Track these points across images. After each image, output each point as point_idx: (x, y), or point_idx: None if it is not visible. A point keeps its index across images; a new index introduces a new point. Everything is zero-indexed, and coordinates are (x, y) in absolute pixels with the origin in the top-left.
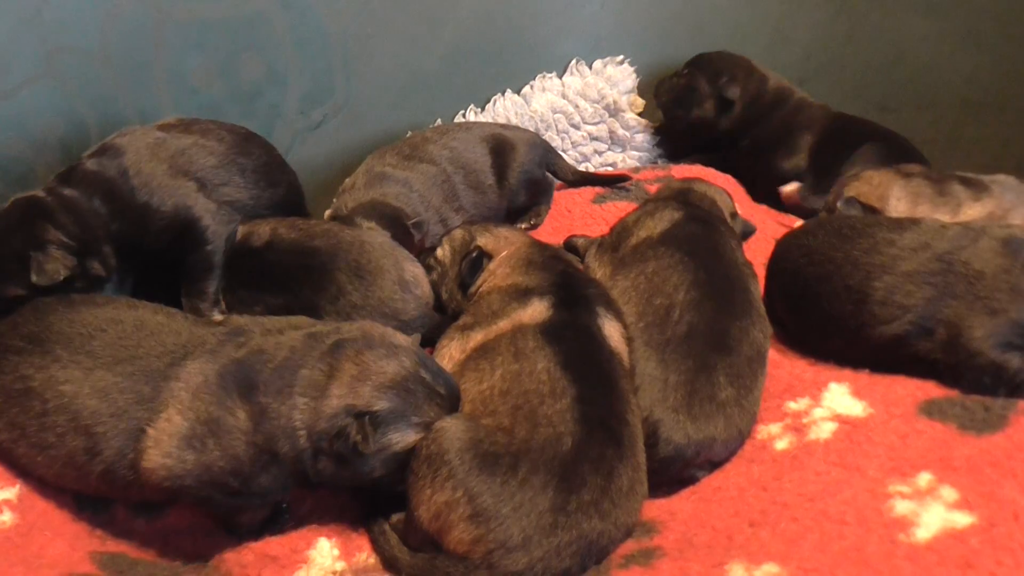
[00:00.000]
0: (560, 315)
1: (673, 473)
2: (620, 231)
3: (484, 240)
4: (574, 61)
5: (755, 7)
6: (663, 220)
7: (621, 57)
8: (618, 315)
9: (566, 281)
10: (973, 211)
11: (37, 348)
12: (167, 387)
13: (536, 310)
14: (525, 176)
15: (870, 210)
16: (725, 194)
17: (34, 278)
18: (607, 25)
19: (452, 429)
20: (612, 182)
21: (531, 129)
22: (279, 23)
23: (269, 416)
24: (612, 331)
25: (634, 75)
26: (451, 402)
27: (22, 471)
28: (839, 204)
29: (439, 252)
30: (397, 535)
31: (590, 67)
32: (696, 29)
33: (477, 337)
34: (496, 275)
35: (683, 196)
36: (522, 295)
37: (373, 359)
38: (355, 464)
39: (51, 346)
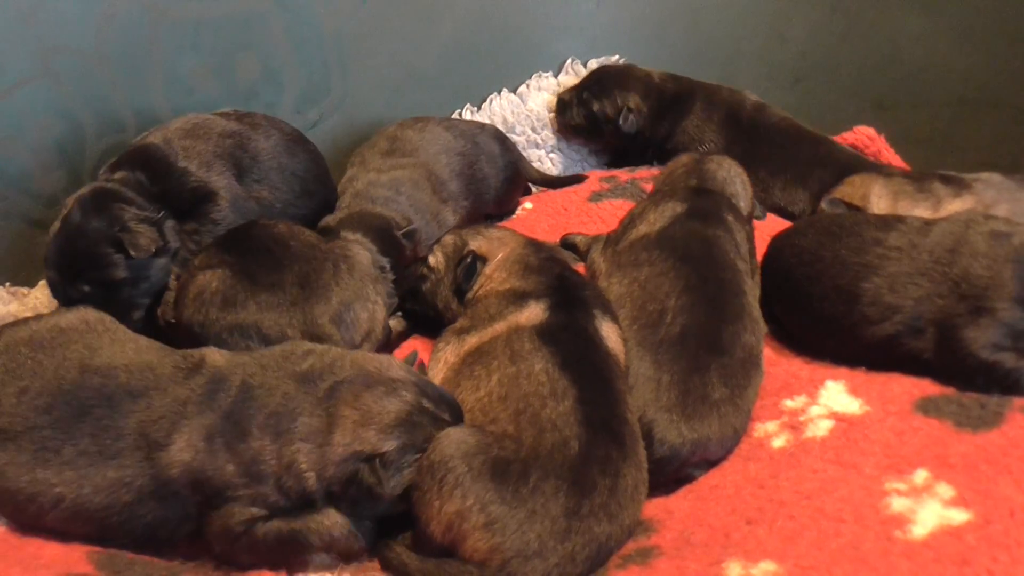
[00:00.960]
0: (556, 317)
1: (669, 473)
2: (627, 223)
3: (477, 244)
4: (570, 60)
5: (750, 6)
6: (663, 215)
7: (616, 56)
8: (615, 317)
9: (563, 283)
10: (953, 207)
11: (11, 444)
12: (168, 476)
13: (533, 312)
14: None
15: (854, 209)
16: (736, 172)
17: (133, 253)
18: (603, 24)
19: (453, 435)
20: (568, 182)
21: (527, 129)
22: (275, 23)
23: (264, 457)
24: (609, 332)
25: None
26: (456, 424)
27: None
28: (824, 205)
29: (431, 260)
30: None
31: (585, 66)
32: (691, 28)
33: (472, 340)
34: (493, 279)
35: (692, 183)
36: (519, 298)
37: (373, 400)
38: (371, 503)
39: (25, 443)
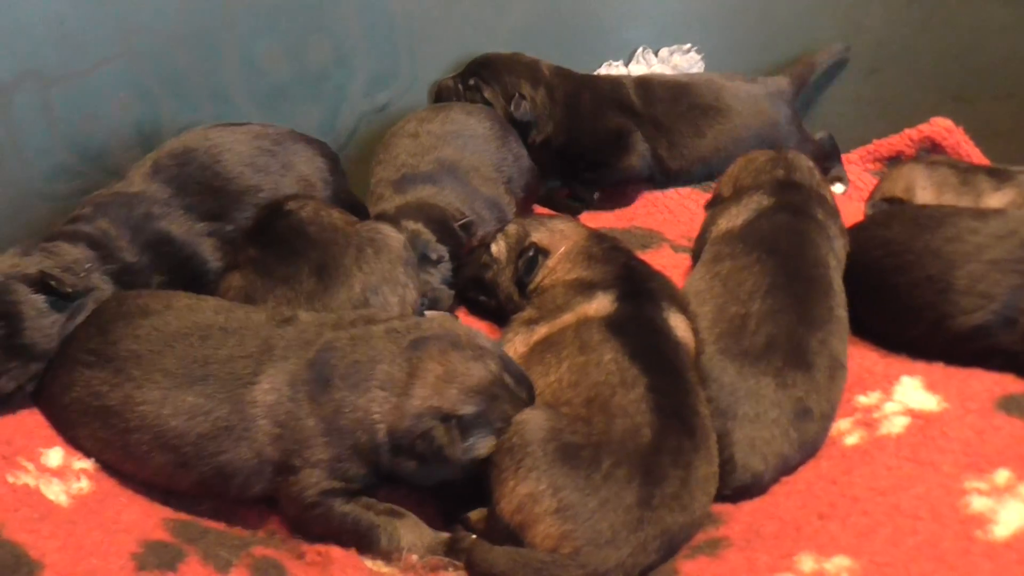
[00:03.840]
0: (625, 308)
1: (747, 497)
2: (707, 222)
3: (539, 236)
4: (640, 49)
5: None
6: (748, 208)
7: (688, 45)
8: (683, 308)
9: (629, 274)
10: (994, 200)
11: (109, 365)
12: (248, 414)
13: (601, 304)
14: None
15: (897, 203)
16: (811, 162)
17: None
18: (674, 12)
19: (534, 420)
20: None
21: None
22: (347, 6)
23: (344, 410)
24: (678, 322)
25: (701, 63)
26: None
27: None
28: (868, 209)
29: (494, 248)
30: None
31: (656, 55)
32: (764, 15)
33: (541, 331)
34: (557, 270)
35: (779, 173)
36: (586, 289)
37: (459, 360)
38: (436, 465)
39: (121, 364)
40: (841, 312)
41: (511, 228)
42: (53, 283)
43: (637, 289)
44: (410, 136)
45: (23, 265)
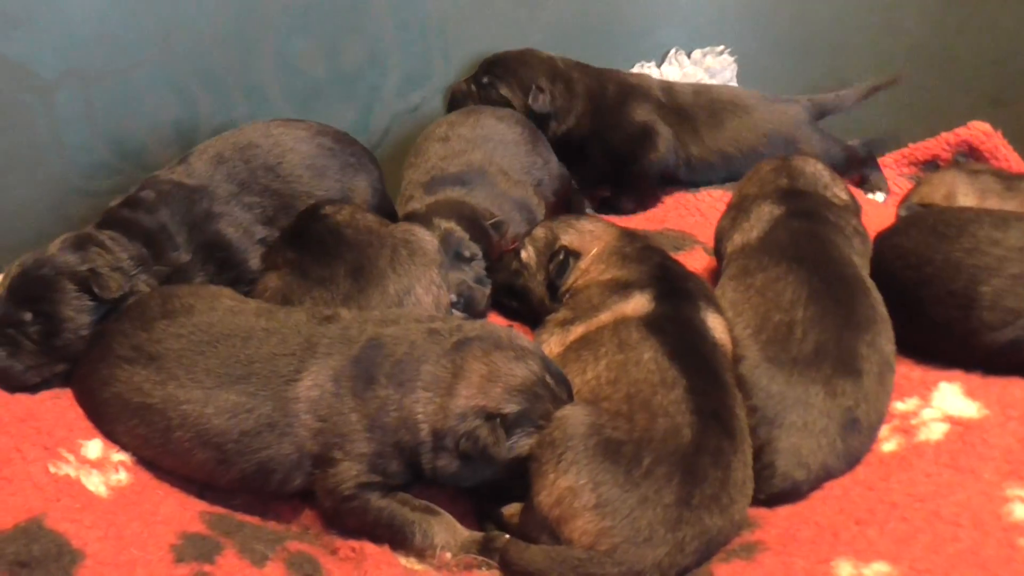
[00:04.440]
0: (662, 308)
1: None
2: (719, 236)
3: (569, 238)
4: (673, 50)
5: None
6: (760, 220)
7: (721, 47)
8: (720, 308)
9: (664, 273)
10: None
11: (151, 363)
12: (291, 410)
13: (638, 303)
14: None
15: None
16: (821, 167)
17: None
18: (708, 13)
19: (575, 415)
20: None
21: None
22: (382, 6)
23: (388, 408)
24: (715, 323)
25: (734, 65)
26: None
27: None
28: (900, 211)
29: (524, 254)
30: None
31: (689, 56)
32: (798, 18)
33: (578, 330)
34: (591, 271)
35: (783, 182)
36: (622, 288)
37: (503, 360)
38: (479, 465)
39: (164, 363)
40: (882, 309)
41: (539, 232)
42: (96, 288)
43: (674, 288)
44: (440, 140)
45: (74, 261)
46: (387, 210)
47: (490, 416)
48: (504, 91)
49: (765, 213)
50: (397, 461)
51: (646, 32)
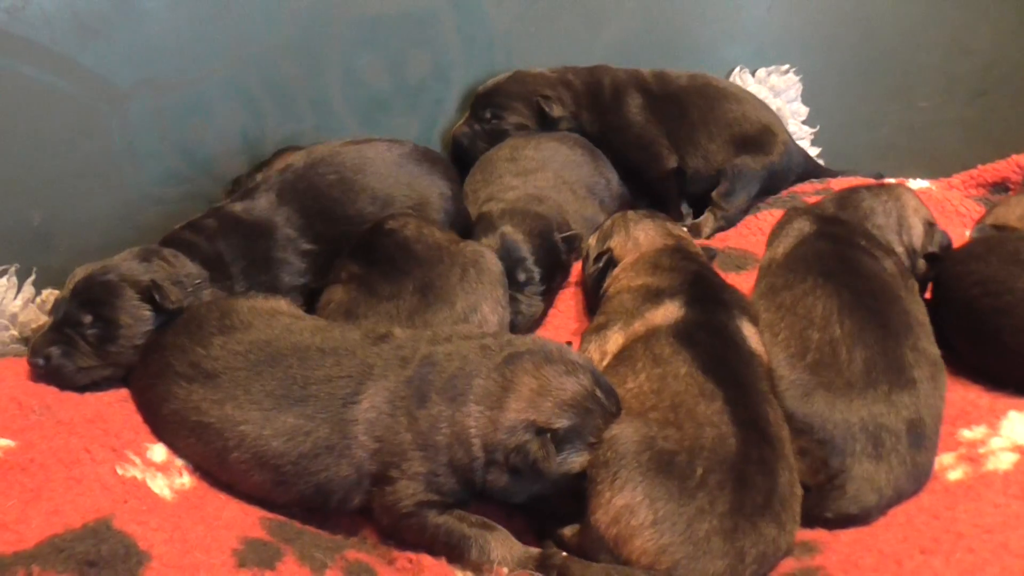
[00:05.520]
0: (692, 315)
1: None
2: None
3: (617, 242)
4: (737, 68)
5: (932, 15)
6: (789, 236)
7: (787, 66)
8: (756, 320)
9: (699, 281)
10: None
11: (209, 382)
12: (349, 432)
13: (668, 310)
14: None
15: (1008, 232)
16: (893, 205)
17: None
18: (773, 31)
19: (624, 433)
20: None
21: None
22: (447, 21)
23: (439, 425)
24: (751, 332)
25: (799, 84)
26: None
27: None
28: (974, 233)
29: (590, 239)
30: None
31: (753, 75)
32: (866, 37)
33: (617, 339)
34: (620, 278)
35: (830, 210)
36: (653, 295)
37: (553, 374)
38: (529, 479)
39: (222, 382)
40: (917, 311)
41: (606, 224)
42: (158, 297)
43: (706, 295)
44: (508, 160)
45: (138, 271)
46: (462, 222)
47: (540, 430)
48: (512, 119)
49: (795, 229)
50: (453, 479)
51: (710, 50)
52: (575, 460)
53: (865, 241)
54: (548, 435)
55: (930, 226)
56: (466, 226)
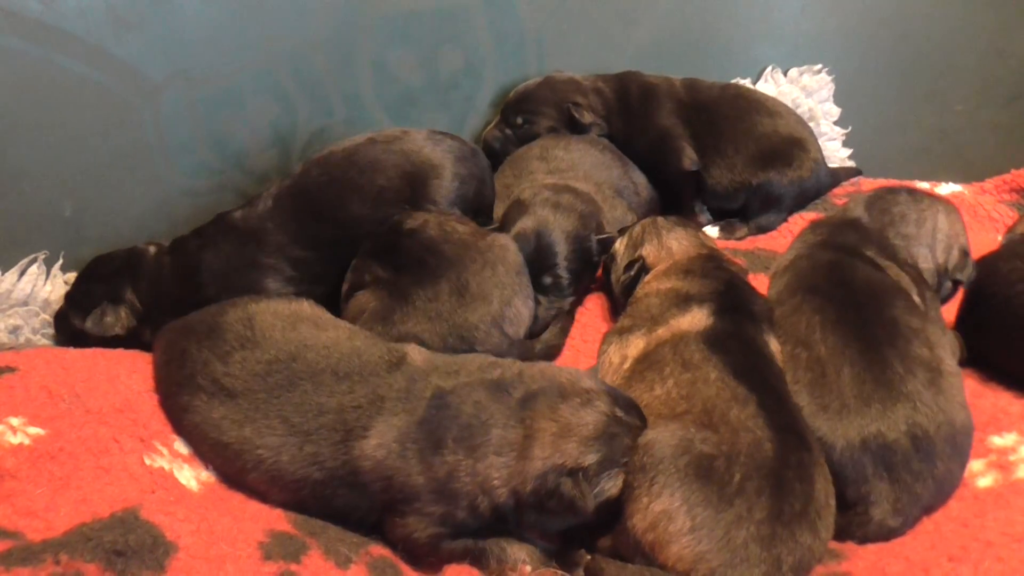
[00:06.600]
0: (721, 323)
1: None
2: None
3: (649, 249)
4: (769, 68)
5: (968, 18)
6: (793, 248)
7: (819, 66)
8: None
9: (729, 289)
10: None
11: (229, 401)
12: (359, 467)
13: (696, 317)
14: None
15: None
16: (929, 215)
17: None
18: (806, 32)
19: (660, 438)
20: None
21: None
22: (480, 18)
23: (459, 475)
24: (776, 346)
25: (831, 84)
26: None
27: None
28: (1006, 240)
29: (618, 244)
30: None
31: (785, 75)
32: (901, 39)
33: (638, 343)
34: (651, 282)
35: (855, 213)
36: (681, 301)
37: (570, 412)
38: (568, 517)
39: (241, 402)
40: (906, 318)
41: (636, 230)
42: (91, 323)
43: (736, 305)
44: (538, 158)
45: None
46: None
47: (571, 472)
48: (545, 124)
49: (800, 240)
50: (472, 518)
51: (742, 49)
52: (612, 485)
53: (873, 251)
54: (580, 474)
55: (965, 255)
56: (479, 193)
